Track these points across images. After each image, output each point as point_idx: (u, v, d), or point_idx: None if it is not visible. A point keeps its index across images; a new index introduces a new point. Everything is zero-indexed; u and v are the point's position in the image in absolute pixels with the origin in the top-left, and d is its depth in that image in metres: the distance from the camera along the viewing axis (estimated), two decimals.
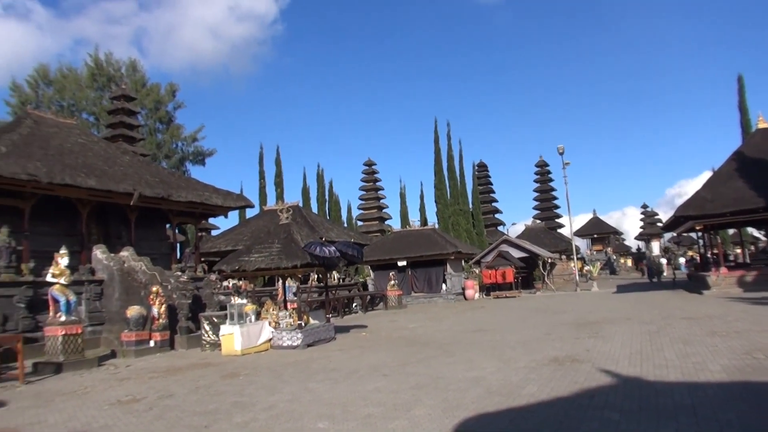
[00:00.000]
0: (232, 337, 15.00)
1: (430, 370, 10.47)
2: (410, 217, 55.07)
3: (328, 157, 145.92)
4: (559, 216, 71.89)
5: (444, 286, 35.16)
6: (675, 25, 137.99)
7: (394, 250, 36.16)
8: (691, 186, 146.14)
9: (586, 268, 47.43)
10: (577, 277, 39.28)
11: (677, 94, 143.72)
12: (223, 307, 17.49)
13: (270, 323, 16.08)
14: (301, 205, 43.54)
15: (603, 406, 6.88)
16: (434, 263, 35.20)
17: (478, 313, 24.01)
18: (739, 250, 43.79)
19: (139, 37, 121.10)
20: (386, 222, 60.54)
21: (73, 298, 14.40)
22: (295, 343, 15.42)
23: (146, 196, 20.75)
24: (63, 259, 14.38)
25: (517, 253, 37.64)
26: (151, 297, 17.22)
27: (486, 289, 35.88)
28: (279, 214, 19.14)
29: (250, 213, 41.33)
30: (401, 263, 35.20)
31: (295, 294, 24.81)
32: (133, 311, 16.74)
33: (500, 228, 66.40)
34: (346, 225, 54.13)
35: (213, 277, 21.47)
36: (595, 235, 73.25)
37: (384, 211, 61.38)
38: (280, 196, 49.57)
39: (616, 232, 76.84)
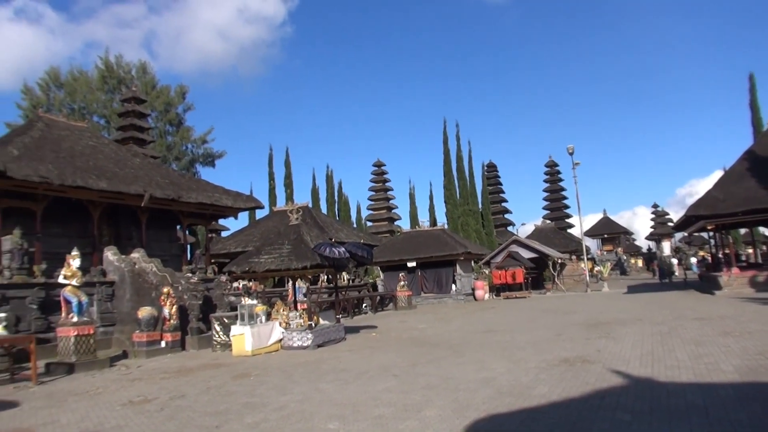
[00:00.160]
0: (243, 337, 15.05)
1: (440, 370, 10.46)
2: (419, 218, 55.03)
3: (337, 158, 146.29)
4: (569, 216, 71.63)
5: (454, 286, 35.11)
6: (685, 24, 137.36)
7: (403, 251, 36.15)
8: (702, 185, 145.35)
9: (597, 268, 47.21)
10: (588, 278, 39.10)
11: (688, 93, 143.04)
12: (234, 308, 17.54)
13: (280, 324, 16.12)
14: (310, 206, 43.61)
15: (614, 407, 6.86)
16: (444, 264, 35.16)
17: (488, 313, 23.96)
18: (750, 250, 43.49)
19: (149, 40, 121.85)
20: (395, 223, 60.53)
21: (85, 299, 14.49)
22: (305, 344, 15.45)
23: (157, 198, 20.85)
24: (75, 261, 14.47)
25: (526, 254, 37.54)
26: (162, 298, 17.31)
27: (496, 289, 35.81)
28: (289, 215, 19.19)
29: (260, 214, 41.41)
30: (411, 264, 35.17)
31: (305, 295, 24.89)
32: (145, 312, 16.84)
33: (510, 228, 66.26)
34: (355, 226, 54.14)
35: (223, 278, 21.52)
36: (606, 235, 72.92)
37: (393, 211, 61.37)
38: (289, 197, 49.65)
39: (627, 232, 76.47)
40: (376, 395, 8.58)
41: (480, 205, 54.38)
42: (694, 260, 44.95)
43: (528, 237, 49.32)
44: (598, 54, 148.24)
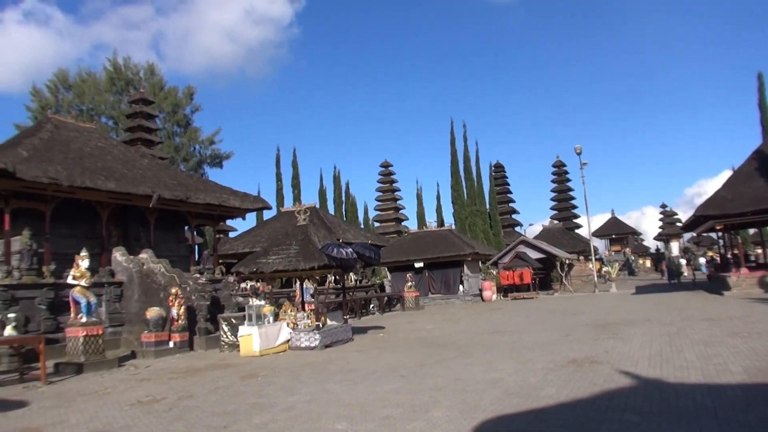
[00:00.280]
0: (251, 338, 15.08)
1: (447, 371, 10.46)
2: (427, 218, 55.00)
3: (344, 158, 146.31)
4: (576, 216, 71.40)
5: (461, 287, 35.07)
6: (694, 23, 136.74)
7: (411, 252, 36.14)
8: (710, 185, 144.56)
9: (605, 269, 47.04)
10: (596, 278, 38.97)
11: (697, 92, 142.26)
12: (242, 309, 17.58)
13: (288, 324, 16.14)
14: (318, 206, 43.73)
15: (623, 408, 6.83)
16: (451, 264, 35.13)
17: (496, 314, 23.93)
18: (760, 250, 43.24)
19: (156, 42, 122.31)
20: (403, 223, 60.48)
21: (93, 299, 14.56)
22: (312, 344, 15.47)
23: (165, 199, 20.94)
24: (84, 262, 14.54)
25: (534, 254, 37.45)
26: (171, 298, 17.37)
27: (503, 290, 35.75)
28: (296, 215, 19.24)
29: (267, 215, 41.51)
30: (418, 264, 35.15)
31: (312, 295, 24.90)
32: (153, 312, 16.91)
33: (517, 229, 66.11)
34: (362, 226, 54.17)
35: (231, 278, 21.57)
36: (614, 236, 72.65)
37: (400, 212, 61.34)
38: (297, 198, 49.71)
39: (635, 233, 76.14)
40: (383, 396, 8.58)
41: (487, 206, 54.28)
42: (702, 260, 44.72)
43: (536, 237, 49.21)
44: (606, 53, 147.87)
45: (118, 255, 19.82)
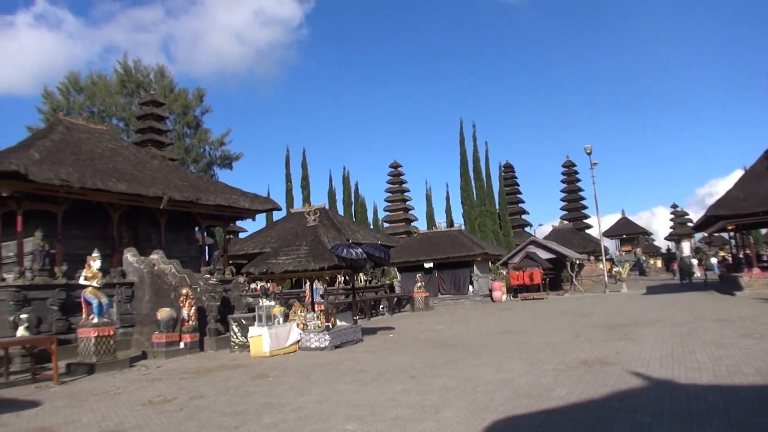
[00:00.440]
0: (261, 338, 15.12)
1: (457, 372, 10.45)
2: (436, 219, 54.92)
3: (353, 159, 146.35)
4: (587, 216, 71.11)
5: (471, 287, 35.00)
6: (706, 23, 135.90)
7: (420, 252, 36.10)
8: (722, 185, 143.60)
9: (615, 269, 46.83)
10: (606, 279, 38.81)
11: (708, 91, 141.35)
12: (252, 309, 17.64)
13: (298, 325, 16.18)
14: (327, 207, 43.78)
15: (634, 410, 6.81)
16: (461, 265, 35.05)
17: (506, 314, 23.88)
18: None
19: (167, 44, 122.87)
20: (412, 224, 60.46)
21: (105, 300, 14.65)
22: (322, 345, 15.50)
23: (175, 200, 21.02)
24: (95, 262, 14.63)
25: (544, 254, 37.33)
26: (181, 299, 17.44)
27: (513, 290, 35.66)
28: (306, 216, 19.27)
29: (277, 216, 41.56)
30: (428, 265, 35.10)
31: (322, 296, 24.93)
32: (164, 313, 16.99)
33: (527, 229, 65.90)
34: (372, 227, 54.17)
35: (241, 279, 21.65)
36: (624, 236, 72.29)
37: (410, 212, 61.31)
38: (306, 199, 49.79)
39: (646, 233, 75.74)
40: (393, 396, 8.58)
41: (497, 206, 54.14)
42: (714, 261, 44.41)
43: (545, 238, 49.06)
44: (616, 53, 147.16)
45: (129, 256, 19.94)
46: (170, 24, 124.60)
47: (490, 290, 34.61)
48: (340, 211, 52.44)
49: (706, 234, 43.77)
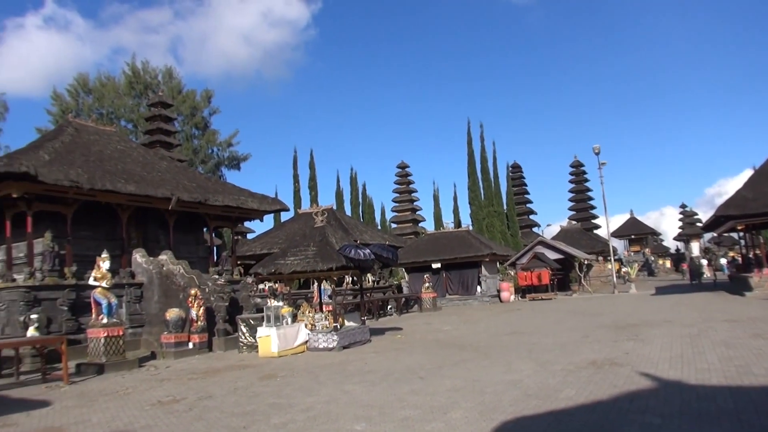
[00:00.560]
0: (269, 339, 15.15)
1: (466, 372, 10.44)
2: (444, 219, 55.00)
3: (361, 160, 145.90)
4: (595, 216, 70.82)
5: (479, 288, 34.94)
6: (715, 22, 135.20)
7: (428, 252, 36.08)
8: (731, 185, 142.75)
9: (624, 269, 46.64)
10: (615, 279, 38.65)
11: (717, 91, 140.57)
12: (260, 310, 17.68)
13: (306, 325, 16.20)
14: (335, 207, 43.81)
15: (643, 411, 6.78)
16: (469, 265, 35.00)
17: (514, 315, 23.83)
18: None
19: (174, 45, 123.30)
20: (420, 224, 60.41)
21: (114, 300, 14.72)
22: (330, 345, 15.52)
23: (184, 201, 21.10)
24: (104, 263, 14.69)
25: (552, 255, 37.24)
26: (190, 300, 17.48)
27: (521, 291, 35.59)
28: (314, 217, 19.29)
29: (284, 216, 41.66)
30: (435, 265, 35.07)
31: (330, 296, 24.96)
32: (173, 314, 17.05)
33: (535, 229, 65.68)
34: (379, 227, 54.23)
35: (249, 279, 21.70)
36: (633, 236, 71.98)
37: (417, 213, 61.26)
38: (314, 200, 49.92)
39: (654, 233, 75.38)
40: (402, 397, 8.59)
41: (505, 206, 54.05)
42: (723, 261, 44.19)
43: (553, 238, 48.90)
44: (625, 52, 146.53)
45: (138, 257, 20.03)
46: (178, 25, 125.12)
47: (498, 291, 34.56)
48: (348, 211, 52.52)
49: (715, 234, 43.56)
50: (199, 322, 17.30)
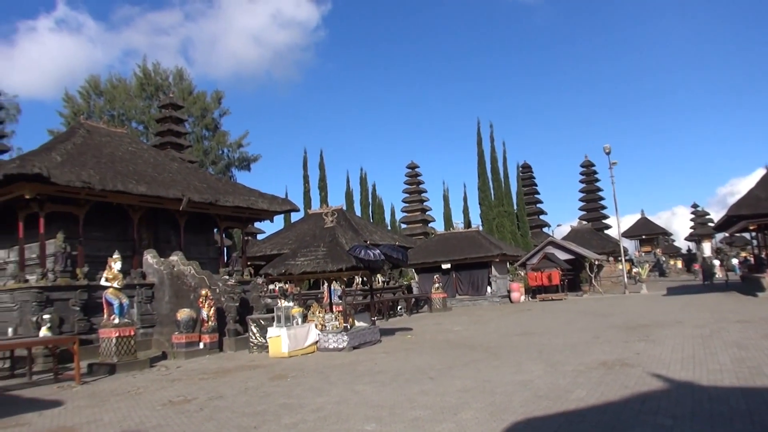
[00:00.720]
0: (280, 339, 15.19)
1: (476, 373, 10.42)
2: (454, 220, 54.95)
3: (371, 160, 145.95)
4: (605, 217, 70.53)
5: (489, 288, 34.87)
6: (725, 21, 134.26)
7: (438, 253, 36.05)
8: (743, 184, 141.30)
9: (635, 269, 46.38)
10: (626, 280, 38.44)
11: (728, 90, 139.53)
12: (270, 310, 17.72)
13: (316, 326, 16.23)
14: (345, 208, 43.88)
15: (655, 412, 6.75)
16: (479, 266, 34.94)
17: (524, 315, 23.76)
18: None
19: (185, 47, 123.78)
20: (429, 224, 60.38)
21: (125, 301, 14.80)
22: (340, 346, 15.54)
23: (195, 202, 21.19)
24: (116, 264, 14.78)
25: (563, 255, 37.09)
26: (201, 300, 17.56)
27: (531, 291, 35.47)
28: (324, 217, 19.31)
29: (295, 217, 41.76)
30: (445, 266, 35.04)
31: (340, 297, 25.00)
32: (184, 314, 17.13)
33: (545, 229, 65.50)
34: (389, 228, 54.22)
35: (260, 280, 21.76)
36: (644, 236, 71.49)
37: (427, 213, 61.22)
38: (324, 200, 50.02)
39: (666, 233, 74.87)
40: (412, 397, 8.59)
41: (515, 207, 53.92)
42: (735, 261, 43.86)
43: (564, 238, 48.69)
44: (635, 51, 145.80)
45: (149, 257, 20.14)
46: (189, 27, 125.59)
47: (509, 291, 34.46)
48: (358, 212, 52.56)
49: (727, 234, 43.19)
50: (209, 323, 17.37)
